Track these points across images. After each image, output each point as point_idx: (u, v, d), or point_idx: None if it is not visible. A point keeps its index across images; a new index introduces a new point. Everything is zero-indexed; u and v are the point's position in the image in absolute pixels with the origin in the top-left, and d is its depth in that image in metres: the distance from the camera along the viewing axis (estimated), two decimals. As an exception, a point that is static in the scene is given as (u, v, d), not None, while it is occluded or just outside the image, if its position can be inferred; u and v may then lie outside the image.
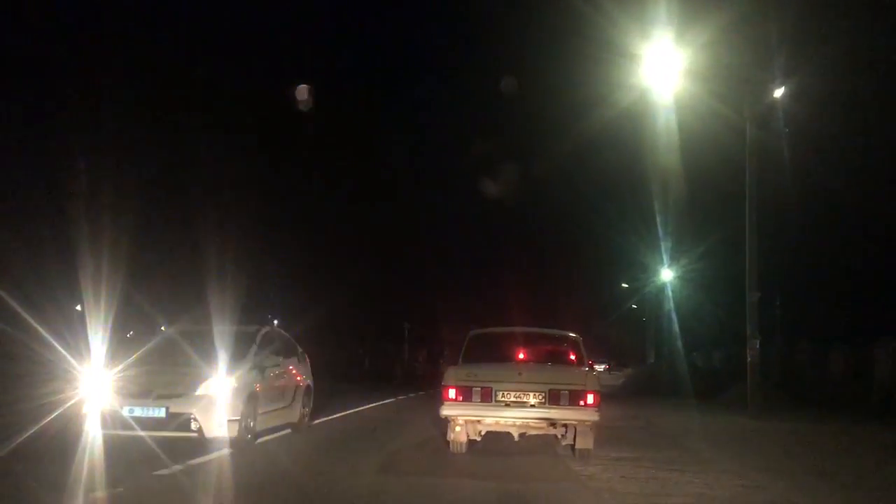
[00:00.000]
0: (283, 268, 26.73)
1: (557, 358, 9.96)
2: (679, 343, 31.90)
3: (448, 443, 9.00)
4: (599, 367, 38.60)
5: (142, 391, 8.28)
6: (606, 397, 16.83)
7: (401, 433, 11.65)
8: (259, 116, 27.49)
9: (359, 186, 35.19)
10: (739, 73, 15.32)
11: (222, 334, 9.16)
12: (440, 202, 44.06)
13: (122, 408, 8.11)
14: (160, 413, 8.14)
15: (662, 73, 15.34)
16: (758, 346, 15.49)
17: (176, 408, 8.16)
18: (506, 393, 8.41)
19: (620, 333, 57.17)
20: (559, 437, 8.99)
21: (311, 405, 11.36)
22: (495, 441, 9.55)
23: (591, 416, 8.40)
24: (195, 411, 8.19)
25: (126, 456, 7.58)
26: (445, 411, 8.53)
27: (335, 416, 13.46)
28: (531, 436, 9.48)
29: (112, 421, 8.01)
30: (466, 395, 8.41)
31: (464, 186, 44.33)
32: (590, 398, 8.34)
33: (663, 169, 24.31)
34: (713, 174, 20.82)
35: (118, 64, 19.90)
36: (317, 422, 12.03)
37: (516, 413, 8.44)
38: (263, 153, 27.91)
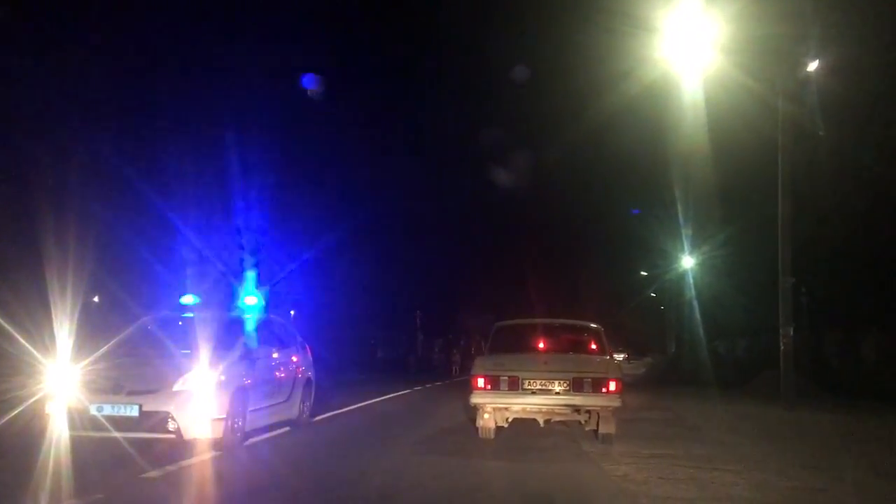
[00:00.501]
0: (288, 253, 25.92)
1: (580, 348, 10.12)
2: (700, 331, 31.00)
3: (477, 429, 9.20)
4: (618, 357, 37.69)
5: (112, 387, 7.26)
6: (630, 387, 16.23)
7: (415, 428, 10.67)
8: (269, 103, 26.78)
9: (370, 175, 34.48)
10: (771, 45, 14.35)
11: (207, 322, 8.16)
12: (454, 190, 43.18)
13: (90, 405, 7.12)
14: (132, 411, 7.12)
15: (687, 46, 14.40)
16: (791, 334, 14.61)
17: (150, 405, 7.16)
18: (532, 381, 8.64)
19: (638, 322, 56.16)
20: (583, 422, 9.21)
21: (313, 399, 10.36)
22: (522, 442, 9.14)
23: (614, 402, 8.61)
24: (172, 409, 7.17)
25: (96, 460, 6.69)
26: (475, 399, 8.80)
27: (342, 410, 12.44)
28: (558, 437, 9.52)
29: (80, 420, 7.04)
30: (494, 383, 8.66)
31: (478, 174, 43.42)
32: (612, 385, 8.57)
33: (686, 151, 23.27)
34: (740, 155, 19.73)
35: (107, 49, 18.96)
36: (320, 417, 11.02)
37: (542, 400, 8.66)
38: (272, 140, 27.20)
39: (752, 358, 27.00)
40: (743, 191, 21.52)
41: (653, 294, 48.64)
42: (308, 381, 10.05)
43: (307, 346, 10.32)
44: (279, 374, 9.15)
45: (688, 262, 33.89)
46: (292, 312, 31.82)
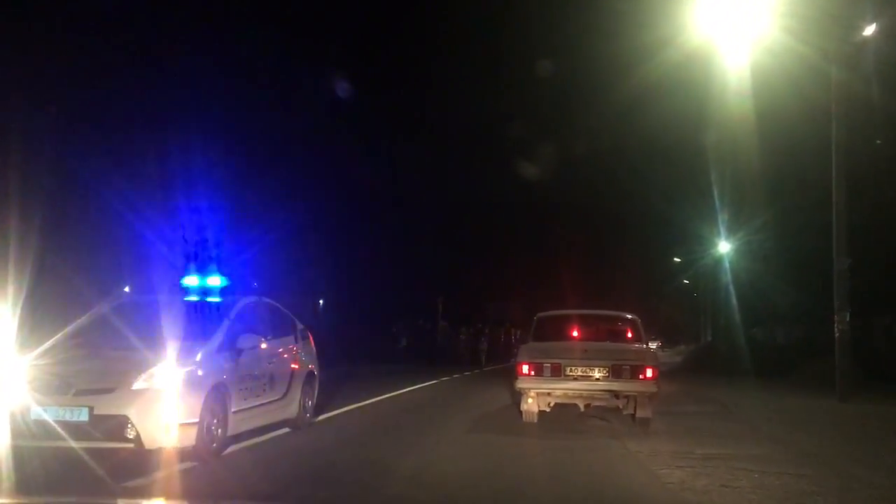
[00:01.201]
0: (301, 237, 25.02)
1: (618, 337, 10.52)
2: (737, 318, 29.74)
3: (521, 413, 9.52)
4: (652, 345, 36.48)
5: (58, 385, 5.98)
6: (669, 377, 15.16)
7: (435, 429, 9.29)
8: (300, 101, 26.19)
9: (394, 164, 33.73)
10: (823, 6, 13.09)
11: (182, 308, 6.91)
12: (481, 179, 42.02)
13: (32, 408, 5.87)
14: (80, 415, 5.82)
15: (729, 10, 13.23)
16: (847, 319, 13.39)
17: (103, 408, 5.86)
18: (573, 368, 9.00)
19: (670, 310, 54.73)
20: (620, 407, 9.39)
21: (316, 395, 8.91)
22: (563, 443, 8.36)
23: (651, 388, 8.92)
24: (130, 412, 5.85)
25: (27, 477, 5.46)
26: (520, 385, 9.18)
27: (354, 406, 10.96)
28: (599, 434, 9.06)
29: (21, 425, 5.84)
30: (538, 370, 9.05)
31: (506, 161, 42.16)
32: (649, 372, 8.88)
33: (725, 128, 21.87)
34: (785, 131, 18.41)
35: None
36: (326, 415, 9.61)
37: (583, 385, 9.03)
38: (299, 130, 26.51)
39: (793, 346, 25.73)
40: (788, 170, 20.17)
41: (686, 281, 47.31)
42: (310, 374, 8.63)
43: (309, 334, 8.94)
44: (272, 368, 7.73)
45: (724, 247, 32.59)
46: (321, 302, 31.16)
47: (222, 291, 7.62)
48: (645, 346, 10.17)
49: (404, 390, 14.16)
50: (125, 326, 6.62)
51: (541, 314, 10.65)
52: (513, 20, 40.33)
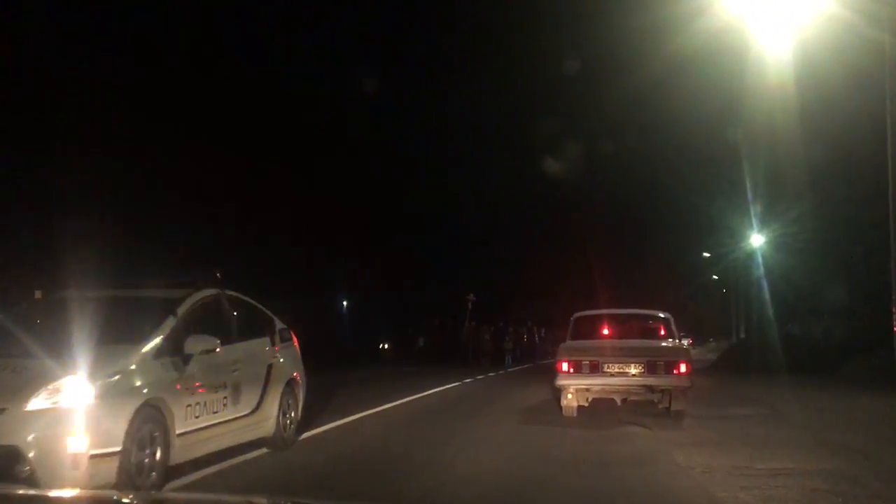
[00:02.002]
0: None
1: (652, 334, 10.94)
2: (771, 314, 28.27)
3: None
4: (684, 343, 34.96)
5: None
6: (706, 376, 14.23)
7: (446, 447, 7.68)
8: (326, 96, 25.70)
9: (425, 162, 32.94)
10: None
11: (107, 306, 5.48)
12: (508, 177, 40.90)
13: None
14: None
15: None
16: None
17: None
18: (610, 365, 9.30)
19: (700, 306, 53.08)
20: (656, 401, 9.62)
21: (301, 408, 7.29)
22: (603, 455, 7.28)
23: (685, 382, 9.23)
24: (23, 441, 4.41)
25: None
26: (560, 381, 9.50)
27: (353, 417, 9.25)
28: (644, 442, 8.18)
29: None
30: (577, 367, 9.34)
31: (532, 160, 40.99)
32: (682, 367, 9.17)
33: (760, 114, 20.47)
34: (828, 111, 17.07)
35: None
36: (315, 431, 7.93)
37: (620, 381, 9.33)
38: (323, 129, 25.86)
39: (834, 342, 24.24)
40: (833, 156, 18.72)
41: (715, 277, 45.83)
42: (291, 382, 7.04)
43: (292, 335, 7.30)
44: (238, 377, 6.13)
45: (756, 240, 31.15)
46: (345, 303, 30.26)
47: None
48: (678, 342, 10.48)
49: (413, 397, 12.36)
50: (26, 332, 5.16)
51: (578, 314, 11.00)
52: (538, 17, 39.20)
